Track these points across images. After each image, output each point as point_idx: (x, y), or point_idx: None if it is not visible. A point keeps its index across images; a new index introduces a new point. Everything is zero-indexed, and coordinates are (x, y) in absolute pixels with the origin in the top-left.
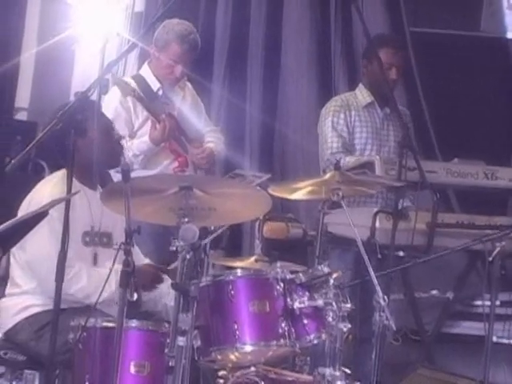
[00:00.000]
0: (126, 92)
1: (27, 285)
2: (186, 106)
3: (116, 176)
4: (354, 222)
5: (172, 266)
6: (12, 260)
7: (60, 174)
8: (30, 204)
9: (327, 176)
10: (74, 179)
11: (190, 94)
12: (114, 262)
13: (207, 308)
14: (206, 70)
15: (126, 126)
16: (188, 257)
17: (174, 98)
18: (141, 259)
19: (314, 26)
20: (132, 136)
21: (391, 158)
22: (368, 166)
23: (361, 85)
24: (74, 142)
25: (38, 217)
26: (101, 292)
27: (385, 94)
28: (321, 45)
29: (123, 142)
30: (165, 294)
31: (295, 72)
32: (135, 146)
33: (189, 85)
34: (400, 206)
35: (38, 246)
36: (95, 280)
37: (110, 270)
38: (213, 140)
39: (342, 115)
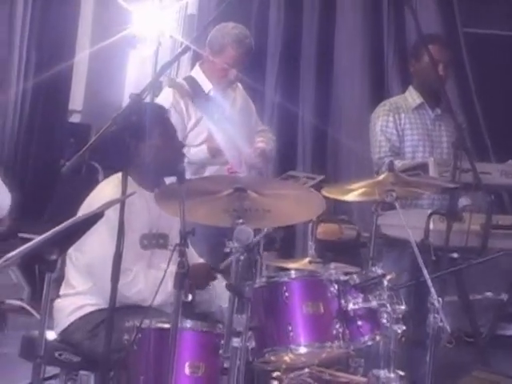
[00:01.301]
0: (183, 94)
1: (81, 286)
2: (237, 106)
3: (168, 178)
4: (407, 224)
5: (223, 265)
6: (68, 262)
7: (120, 176)
8: (90, 204)
9: (381, 177)
10: (132, 181)
11: (241, 94)
12: (168, 263)
13: (261, 309)
14: (258, 74)
15: (178, 130)
16: (242, 258)
17: (226, 99)
18: (195, 259)
19: (367, 29)
20: (184, 138)
21: (445, 160)
22: (421, 167)
23: (410, 87)
24: (134, 144)
25: (95, 218)
26: (155, 294)
27: (435, 93)
28: (374, 48)
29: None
30: (219, 295)
31: (348, 75)
32: (192, 154)
33: (240, 86)
34: (460, 205)
35: (98, 248)
36: (151, 283)
37: (165, 272)
38: (264, 140)
39: (391, 118)
